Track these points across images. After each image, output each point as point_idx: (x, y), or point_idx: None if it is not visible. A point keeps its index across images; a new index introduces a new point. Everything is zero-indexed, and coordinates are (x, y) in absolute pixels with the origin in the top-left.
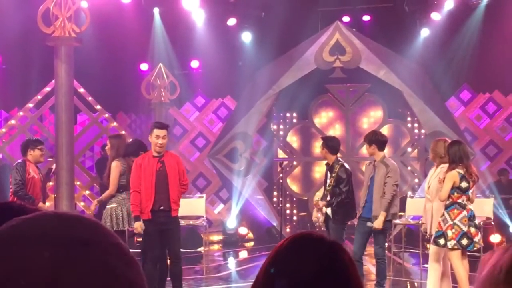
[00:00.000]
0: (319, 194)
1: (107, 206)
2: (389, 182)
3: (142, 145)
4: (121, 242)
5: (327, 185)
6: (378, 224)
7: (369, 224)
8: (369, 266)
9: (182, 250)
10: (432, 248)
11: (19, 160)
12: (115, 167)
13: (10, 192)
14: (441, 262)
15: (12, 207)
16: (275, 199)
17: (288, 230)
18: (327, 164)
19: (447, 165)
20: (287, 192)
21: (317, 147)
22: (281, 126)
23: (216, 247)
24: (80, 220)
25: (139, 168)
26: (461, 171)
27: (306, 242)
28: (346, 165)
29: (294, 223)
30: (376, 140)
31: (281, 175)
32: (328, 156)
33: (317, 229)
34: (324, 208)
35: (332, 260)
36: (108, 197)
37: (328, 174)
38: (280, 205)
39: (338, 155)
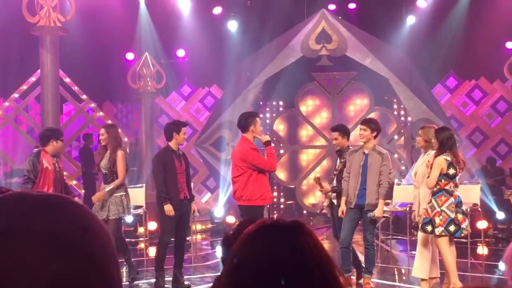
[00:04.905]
0: (318, 170)
1: (116, 194)
2: (384, 170)
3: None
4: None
5: (335, 169)
6: (379, 212)
7: (370, 214)
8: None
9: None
10: (420, 235)
11: (34, 150)
12: (121, 157)
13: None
14: (429, 248)
15: None
16: None
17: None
18: (337, 151)
19: (434, 151)
20: (274, 181)
21: (304, 135)
22: (268, 115)
23: (203, 236)
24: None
25: None
26: (449, 158)
27: (263, 231)
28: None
29: (281, 212)
30: (378, 128)
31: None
32: (341, 142)
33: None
34: (330, 193)
35: (285, 244)
36: (118, 185)
37: (338, 160)
38: None
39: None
